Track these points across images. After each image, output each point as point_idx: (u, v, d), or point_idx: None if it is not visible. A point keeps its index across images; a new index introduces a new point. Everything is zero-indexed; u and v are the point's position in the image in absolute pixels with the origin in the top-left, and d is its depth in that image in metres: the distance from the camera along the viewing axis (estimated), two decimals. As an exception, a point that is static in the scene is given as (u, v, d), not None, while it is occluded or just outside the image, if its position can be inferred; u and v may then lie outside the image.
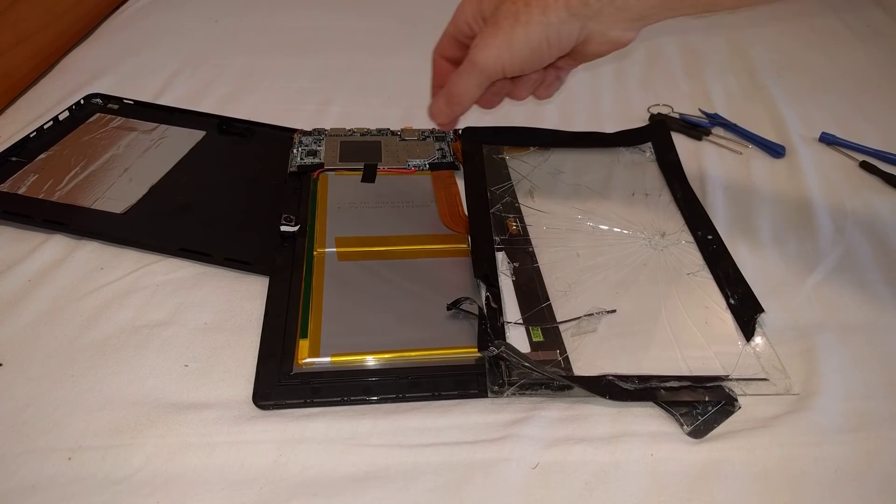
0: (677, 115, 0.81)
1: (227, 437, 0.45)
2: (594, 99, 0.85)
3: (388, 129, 0.76)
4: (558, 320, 0.54)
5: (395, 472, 0.43)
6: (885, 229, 0.65)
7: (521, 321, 0.53)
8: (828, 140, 0.76)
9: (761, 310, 0.55)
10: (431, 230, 0.62)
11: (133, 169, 0.68)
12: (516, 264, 0.59)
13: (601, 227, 0.64)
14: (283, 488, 0.42)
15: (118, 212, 0.62)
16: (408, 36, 0.98)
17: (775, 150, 0.75)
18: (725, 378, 0.49)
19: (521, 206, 0.66)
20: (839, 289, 0.58)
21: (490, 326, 0.51)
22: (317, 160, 0.70)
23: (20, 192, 0.64)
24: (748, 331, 0.53)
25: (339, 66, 0.89)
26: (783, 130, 0.78)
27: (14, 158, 0.68)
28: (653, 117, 0.80)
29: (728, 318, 0.55)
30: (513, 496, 0.42)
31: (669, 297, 0.57)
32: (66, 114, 0.75)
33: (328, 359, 0.50)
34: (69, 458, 0.43)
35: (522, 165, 0.72)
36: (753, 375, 0.50)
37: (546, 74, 0.57)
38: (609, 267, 0.59)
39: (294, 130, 0.74)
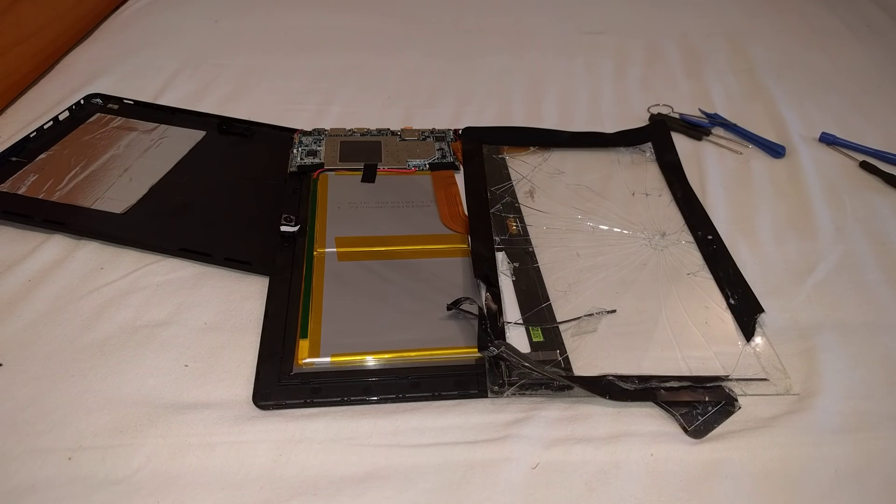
0: (677, 115, 0.81)
1: (227, 437, 0.45)
2: (594, 99, 0.85)
3: (388, 129, 0.76)
4: (558, 320, 0.54)
5: (395, 472, 0.43)
6: (885, 229, 0.65)
7: (521, 321, 0.53)
8: (828, 140, 0.76)
9: (761, 310, 0.55)
10: (431, 230, 0.62)
11: (133, 169, 0.68)
12: (516, 264, 0.59)
13: (601, 227, 0.64)
14: (283, 488, 0.42)
15: (118, 212, 0.62)
16: (408, 36, 0.98)
17: (775, 150, 0.75)
18: (725, 378, 0.49)
19: (521, 206, 0.66)
20: (839, 289, 0.58)
21: (490, 326, 0.51)
22: (317, 160, 0.70)
23: (20, 192, 0.64)
24: (748, 331, 0.53)
25: (339, 66, 0.89)
26: (783, 130, 0.78)
27: (14, 158, 0.68)
28: (653, 117, 0.80)
29: (728, 318, 0.55)
30: (513, 496, 0.42)
31: (669, 297, 0.57)
32: (66, 114, 0.75)
33: (328, 359, 0.50)
34: (69, 458, 0.43)
35: (522, 165, 0.72)
36: (753, 375, 0.50)
37: None
38: (609, 267, 0.59)
39: (294, 130, 0.74)
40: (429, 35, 0.99)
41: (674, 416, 0.47)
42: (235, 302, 0.55)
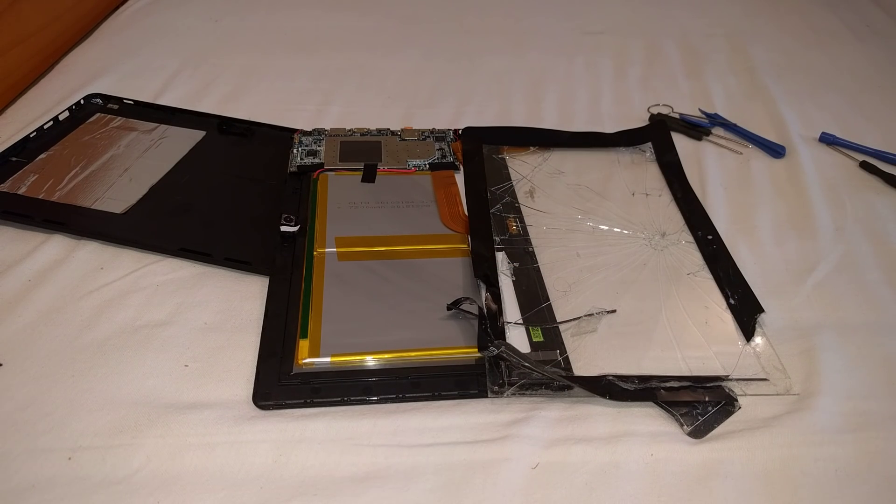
0: (677, 115, 0.81)
1: (227, 437, 0.45)
2: (594, 99, 0.85)
3: (388, 129, 0.76)
4: (558, 320, 0.54)
5: (395, 472, 0.43)
6: (885, 229, 0.65)
7: (521, 321, 0.53)
8: (828, 140, 0.76)
9: (761, 310, 0.55)
10: (431, 230, 0.62)
11: (133, 169, 0.68)
12: (516, 264, 0.59)
13: (601, 227, 0.64)
14: (283, 488, 0.42)
15: (118, 212, 0.62)
16: (408, 36, 0.98)
17: (775, 150, 0.75)
18: (725, 378, 0.49)
19: (521, 206, 0.66)
20: (839, 289, 0.58)
21: (490, 326, 0.51)
22: (317, 160, 0.70)
23: (20, 192, 0.64)
24: (748, 331, 0.53)
25: (339, 66, 0.89)
26: (783, 130, 0.78)
27: (14, 158, 0.68)
28: (653, 117, 0.80)
29: (728, 318, 0.55)
30: (513, 496, 0.42)
31: (669, 297, 0.57)
32: (66, 114, 0.75)
33: (328, 359, 0.50)
34: (69, 458, 0.43)
35: (522, 165, 0.72)
36: (753, 375, 0.50)
37: None
38: (609, 267, 0.59)
39: (294, 130, 0.74)
40: (429, 35, 0.99)
41: (674, 416, 0.47)
42: (235, 302, 0.55)
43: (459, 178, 0.69)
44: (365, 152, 0.71)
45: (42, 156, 0.68)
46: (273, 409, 0.47)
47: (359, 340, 0.51)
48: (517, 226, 0.63)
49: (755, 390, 0.49)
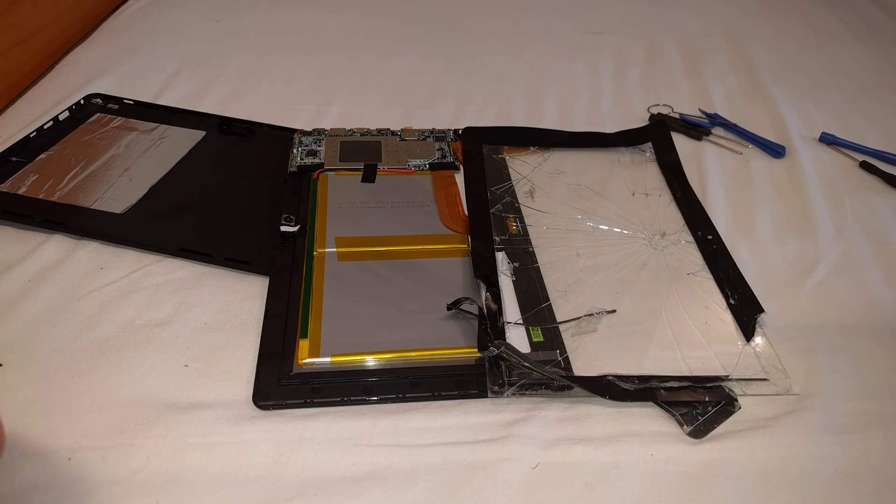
0: (677, 115, 0.81)
1: (227, 437, 0.45)
2: (594, 99, 0.85)
3: (388, 129, 0.76)
4: (558, 320, 0.54)
5: (395, 472, 0.43)
6: (885, 229, 0.65)
7: (521, 321, 0.53)
8: (828, 140, 0.76)
9: (761, 310, 0.55)
10: (431, 230, 0.62)
11: (133, 169, 0.68)
12: (516, 264, 0.59)
13: (601, 227, 0.64)
14: (283, 488, 0.42)
15: (118, 212, 0.62)
16: (408, 36, 0.98)
17: (775, 150, 0.75)
18: (725, 378, 0.50)
19: (521, 206, 0.66)
20: (839, 289, 0.58)
21: (490, 326, 0.51)
22: (317, 160, 0.70)
23: (20, 192, 0.63)
24: (748, 331, 0.53)
25: (339, 66, 0.89)
26: (783, 130, 0.78)
27: (14, 158, 0.67)
28: (653, 117, 0.80)
29: (728, 318, 0.55)
30: (513, 496, 0.42)
31: (669, 297, 0.57)
32: (66, 114, 0.75)
33: (328, 359, 0.50)
34: (69, 459, 0.43)
35: (522, 165, 0.72)
36: (753, 375, 0.50)
37: None
38: (609, 267, 0.59)
39: (294, 130, 0.74)
40: (429, 35, 0.99)
41: (674, 416, 0.47)
42: (235, 302, 0.55)
43: (459, 178, 0.69)
44: (365, 152, 0.71)
45: (42, 156, 0.68)
46: (273, 409, 0.47)
47: (359, 340, 0.51)
48: (517, 226, 0.63)
49: (755, 390, 0.49)
